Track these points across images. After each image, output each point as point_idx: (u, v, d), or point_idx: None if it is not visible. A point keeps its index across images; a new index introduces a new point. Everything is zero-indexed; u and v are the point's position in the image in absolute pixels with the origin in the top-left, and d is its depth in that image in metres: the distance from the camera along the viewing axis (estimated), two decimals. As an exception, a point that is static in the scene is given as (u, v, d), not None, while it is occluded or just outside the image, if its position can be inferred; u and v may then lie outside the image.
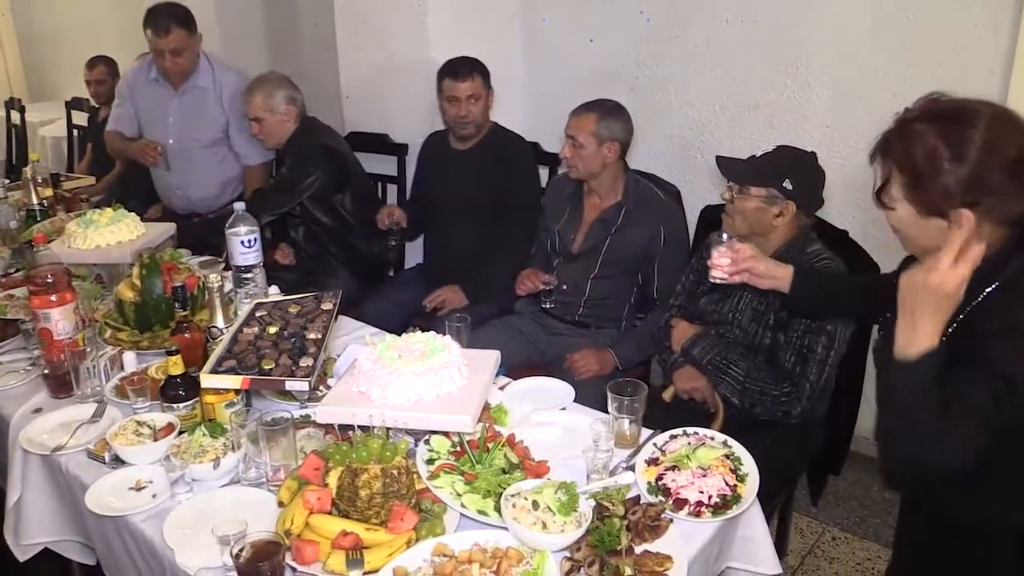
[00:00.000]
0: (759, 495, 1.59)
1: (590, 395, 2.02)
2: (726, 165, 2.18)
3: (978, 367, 1.27)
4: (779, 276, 1.77)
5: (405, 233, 3.38)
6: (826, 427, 2.29)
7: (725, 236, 1.83)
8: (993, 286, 1.32)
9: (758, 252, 1.81)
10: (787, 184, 2.06)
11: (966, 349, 1.28)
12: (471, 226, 3.08)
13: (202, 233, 3.20)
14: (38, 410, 1.92)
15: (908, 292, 1.26)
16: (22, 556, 1.87)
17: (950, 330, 1.30)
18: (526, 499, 1.40)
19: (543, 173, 3.24)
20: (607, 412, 1.75)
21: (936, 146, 1.28)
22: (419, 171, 3.34)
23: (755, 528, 1.63)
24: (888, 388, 1.33)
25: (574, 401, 1.95)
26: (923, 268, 1.25)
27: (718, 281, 1.84)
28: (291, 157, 3.24)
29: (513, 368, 2.31)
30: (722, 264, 1.80)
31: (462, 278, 3.05)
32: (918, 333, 1.25)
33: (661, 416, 1.91)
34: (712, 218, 2.65)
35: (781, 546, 2.60)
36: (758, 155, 2.20)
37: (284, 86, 3.21)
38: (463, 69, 2.96)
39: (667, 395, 2.27)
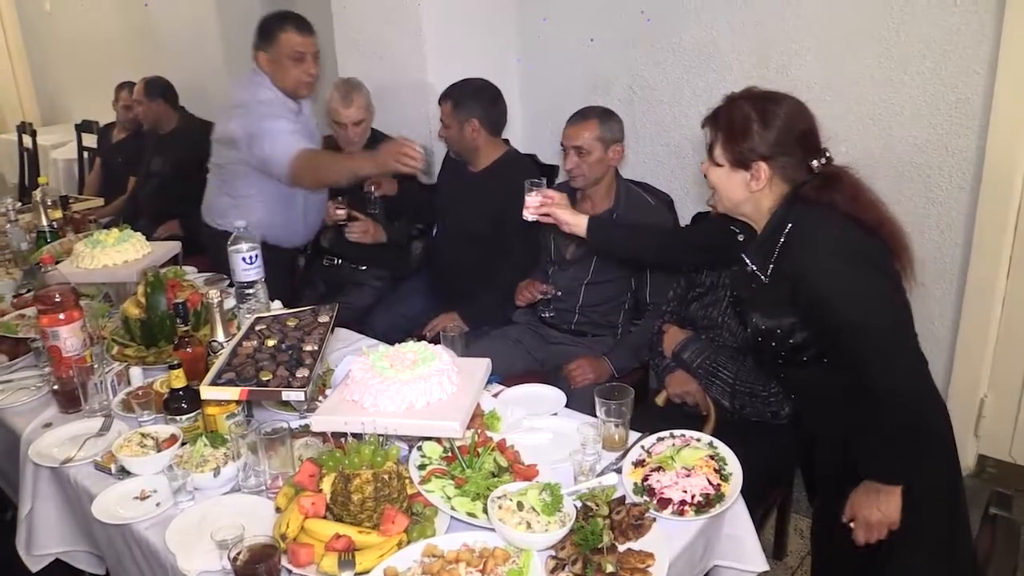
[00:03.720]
0: (752, 494, 1.64)
1: (587, 402, 2.06)
2: None
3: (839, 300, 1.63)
4: (576, 224, 2.09)
5: (379, 202, 3.21)
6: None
7: (535, 181, 2.12)
8: (790, 225, 1.69)
9: (566, 202, 2.13)
10: None
11: (786, 276, 1.69)
12: (472, 248, 3.08)
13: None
14: (48, 425, 1.99)
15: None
16: (34, 567, 1.93)
17: (770, 269, 1.73)
18: (511, 500, 1.45)
19: (541, 184, 3.29)
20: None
21: (750, 113, 1.67)
22: (437, 182, 3.36)
23: (741, 526, 1.67)
24: None
25: (570, 408, 2.00)
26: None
27: (529, 219, 2.11)
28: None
29: (512, 378, 2.35)
30: (531, 205, 2.09)
31: (462, 299, 3.03)
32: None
33: (654, 420, 1.95)
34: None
35: (780, 547, 2.63)
36: None
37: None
38: (443, 93, 3.00)
39: (660, 399, 2.32)
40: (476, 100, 2.97)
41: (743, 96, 1.72)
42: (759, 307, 1.78)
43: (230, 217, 2.92)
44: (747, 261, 1.79)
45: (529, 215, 2.11)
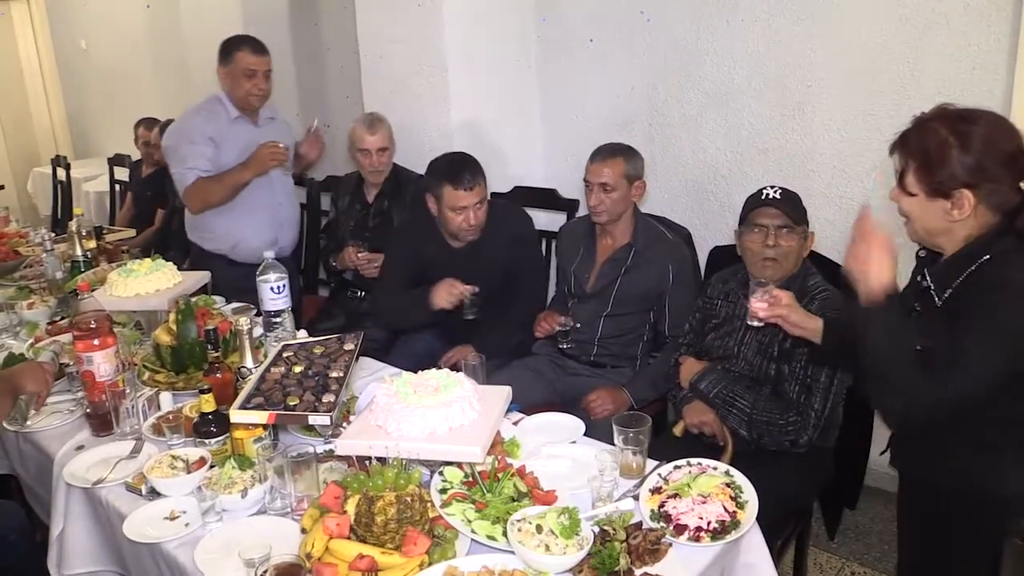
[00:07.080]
0: (770, 524, 1.66)
1: (606, 432, 2.08)
2: (784, 204, 2.19)
3: (978, 319, 1.52)
4: (810, 328, 1.88)
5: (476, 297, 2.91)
6: (837, 458, 2.34)
7: (761, 282, 1.96)
8: (986, 257, 1.57)
9: (794, 301, 1.91)
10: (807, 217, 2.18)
11: (965, 307, 1.56)
12: (482, 303, 2.90)
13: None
14: (80, 447, 2.05)
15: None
16: (64, 587, 1.98)
17: (947, 294, 1.62)
18: (531, 523, 1.48)
19: (561, 218, 3.35)
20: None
21: (946, 138, 1.55)
22: (417, 255, 3.02)
23: (756, 554, 1.69)
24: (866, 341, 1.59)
25: (589, 437, 2.03)
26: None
27: (756, 324, 1.95)
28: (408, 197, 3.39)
29: (531, 408, 2.37)
30: (759, 309, 1.90)
31: (475, 335, 2.93)
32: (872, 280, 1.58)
33: (673, 450, 1.98)
34: (721, 259, 2.73)
35: (800, 580, 2.62)
36: (771, 195, 2.21)
37: None
38: (467, 177, 2.75)
39: (677, 430, 2.34)
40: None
41: (936, 117, 1.59)
42: (919, 327, 1.66)
43: (198, 230, 3.46)
44: (926, 277, 1.68)
45: (756, 321, 1.94)
